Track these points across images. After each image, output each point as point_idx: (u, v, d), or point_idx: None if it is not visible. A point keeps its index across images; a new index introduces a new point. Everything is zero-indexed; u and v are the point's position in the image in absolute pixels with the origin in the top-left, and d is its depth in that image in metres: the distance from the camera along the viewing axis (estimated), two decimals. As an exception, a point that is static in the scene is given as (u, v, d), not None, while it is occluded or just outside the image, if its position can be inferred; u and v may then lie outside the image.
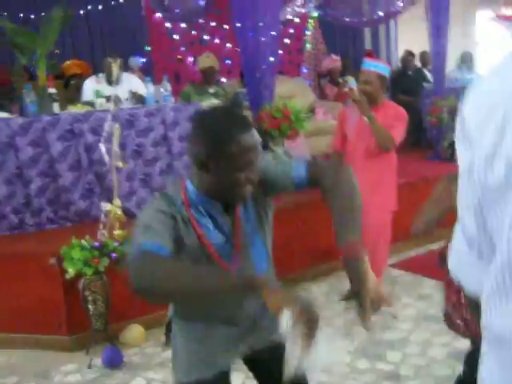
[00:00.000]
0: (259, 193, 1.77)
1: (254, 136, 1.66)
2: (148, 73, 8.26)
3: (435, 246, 5.43)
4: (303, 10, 7.83)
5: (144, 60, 8.51)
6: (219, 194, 1.70)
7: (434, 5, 6.63)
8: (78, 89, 5.57)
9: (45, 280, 3.75)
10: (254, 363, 2.06)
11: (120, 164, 3.48)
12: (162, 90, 4.67)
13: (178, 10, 6.08)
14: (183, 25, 7.72)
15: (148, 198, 4.40)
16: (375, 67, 3.97)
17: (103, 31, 8.48)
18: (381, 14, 6.75)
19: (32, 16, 7.38)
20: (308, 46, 9.20)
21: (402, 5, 6.42)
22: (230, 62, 7.91)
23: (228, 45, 7.76)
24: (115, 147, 3.42)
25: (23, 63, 4.30)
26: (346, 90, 7.80)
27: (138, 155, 4.36)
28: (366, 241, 1.66)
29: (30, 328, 3.88)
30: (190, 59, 7.83)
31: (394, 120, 3.89)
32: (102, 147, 3.43)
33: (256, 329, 1.91)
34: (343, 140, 4.09)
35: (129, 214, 4.02)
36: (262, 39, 5.14)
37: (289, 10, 7.25)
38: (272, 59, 5.31)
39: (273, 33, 5.26)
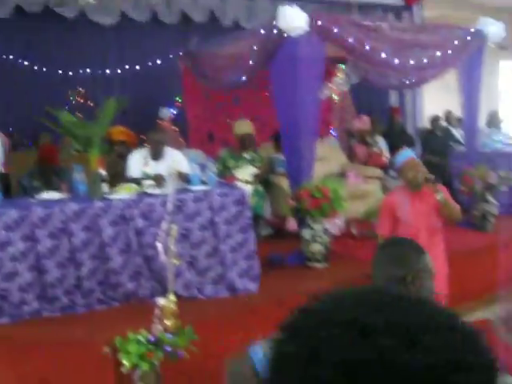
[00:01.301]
0: None
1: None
2: (179, 126, 8.46)
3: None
4: (344, 89, 8.01)
5: (175, 112, 8.71)
6: None
7: (466, 72, 6.77)
8: (122, 156, 5.75)
9: (97, 368, 3.87)
10: None
11: (176, 262, 3.62)
12: (207, 171, 4.83)
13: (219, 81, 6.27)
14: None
15: (194, 281, 4.54)
16: (412, 154, 4.26)
17: (138, 88, 8.71)
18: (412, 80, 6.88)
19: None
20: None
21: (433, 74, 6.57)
22: (260, 120, 8.07)
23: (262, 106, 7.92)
24: (172, 247, 3.56)
25: (77, 148, 4.49)
26: (376, 150, 7.97)
27: (184, 238, 4.49)
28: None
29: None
30: (224, 118, 7.99)
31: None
32: (159, 246, 3.57)
33: None
34: (393, 226, 4.15)
35: (175, 296, 4.16)
36: (301, 112, 5.31)
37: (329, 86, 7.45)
38: (310, 131, 5.47)
39: (312, 106, 5.43)
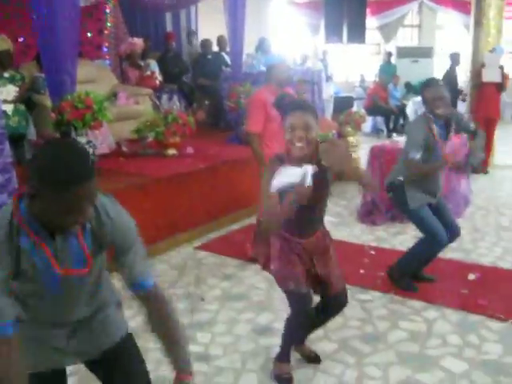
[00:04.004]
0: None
1: None
2: None
3: (236, 226, 5.84)
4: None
5: None
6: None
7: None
8: None
9: None
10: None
11: None
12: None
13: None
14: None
15: None
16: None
17: None
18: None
19: None
20: (108, 25, 9.02)
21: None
22: (25, 41, 7.54)
23: (23, 23, 7.36)
24: None
25: None
26: (148, 73, 7.91)
27: None
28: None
29: None
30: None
31: None
32: None
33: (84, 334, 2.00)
34: (264, 122, 4.44)
35: None
36: (60, 22, 4.99)
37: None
38: (71, 43, 5.18)
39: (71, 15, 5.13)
